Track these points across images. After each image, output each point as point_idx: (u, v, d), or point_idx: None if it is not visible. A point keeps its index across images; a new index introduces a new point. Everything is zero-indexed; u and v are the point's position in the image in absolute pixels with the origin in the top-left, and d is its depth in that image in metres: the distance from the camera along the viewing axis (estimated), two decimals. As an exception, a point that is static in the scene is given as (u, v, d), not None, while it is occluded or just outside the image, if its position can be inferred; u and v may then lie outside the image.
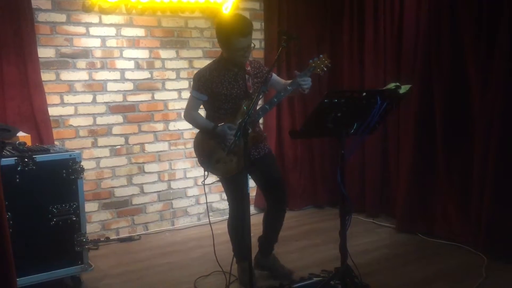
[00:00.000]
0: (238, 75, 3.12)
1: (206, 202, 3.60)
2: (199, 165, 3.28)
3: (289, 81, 3.11)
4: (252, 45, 2.99)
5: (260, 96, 2.96)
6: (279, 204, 3.31)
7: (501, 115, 3.51)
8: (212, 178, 4.10)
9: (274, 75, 3.30)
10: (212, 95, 3.12)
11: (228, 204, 3.30)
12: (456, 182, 3.96)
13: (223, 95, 3.09)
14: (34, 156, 3.10)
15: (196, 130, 3.33)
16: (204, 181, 3.05)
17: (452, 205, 3.98)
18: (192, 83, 3.23)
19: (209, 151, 3.12)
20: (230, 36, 2.94)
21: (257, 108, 3.16)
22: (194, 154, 4.61)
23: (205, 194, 3.33)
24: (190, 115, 3.21)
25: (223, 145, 3.04)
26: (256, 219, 3.59)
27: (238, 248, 3.28)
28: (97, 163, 4.33)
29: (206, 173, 3.10)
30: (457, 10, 3.82)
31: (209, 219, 3.44)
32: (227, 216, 3.37)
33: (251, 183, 3.59)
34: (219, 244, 3.47)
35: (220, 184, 3.44)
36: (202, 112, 3.28)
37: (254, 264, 3.36)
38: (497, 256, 3.53)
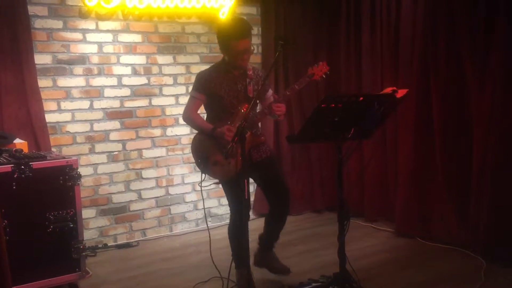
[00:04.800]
0: (238, 79, 3.13)
1: (204, 208, 3.56)
2: (197, 168, 3.26)
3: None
4: (252, 48, 3.03)
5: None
6: (283, 207, 3.32)
7: (499, 117, 3.51)
8: (209, 182, 4.05)
9: (270, 91, 3.32)
10: (210, 96, 3.14)
11: (229, 208, 3.29)
12: (454, 186, 3.96)
13: (220, 96, 3.10)
14: (30, 163, 3.09)
15: (193, 134, 3.31)
16: (201, 183, 3.04)
17: (451, 209, 3.97)
18: (192, 84, 3.25)
19: (207, 153, 3.11)
20: (230, 39, 2.98)
21: (257, 111, 3.15)
22: (192, 160, 4.65)
23: (203, 198, 3.30)
24: (188, 116, 3.23)
25: (222, 148, 3.02)
26: (256, 224, 3.58)
27: (237, 253, 3.27)
28: (94, 170, 4.32)
29: (203, 175, 3.10)
30: (453, 11, 3.82)
31: (206, 224, 3.42)
32: (225, 222, 3.37)
33: (251, 188, 3.56)
34: (218, 249, 3.46)
35: (218, 189, 3.43)
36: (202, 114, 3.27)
37: (253, 262, 3.37)
38: (496, 260, 3.52)
